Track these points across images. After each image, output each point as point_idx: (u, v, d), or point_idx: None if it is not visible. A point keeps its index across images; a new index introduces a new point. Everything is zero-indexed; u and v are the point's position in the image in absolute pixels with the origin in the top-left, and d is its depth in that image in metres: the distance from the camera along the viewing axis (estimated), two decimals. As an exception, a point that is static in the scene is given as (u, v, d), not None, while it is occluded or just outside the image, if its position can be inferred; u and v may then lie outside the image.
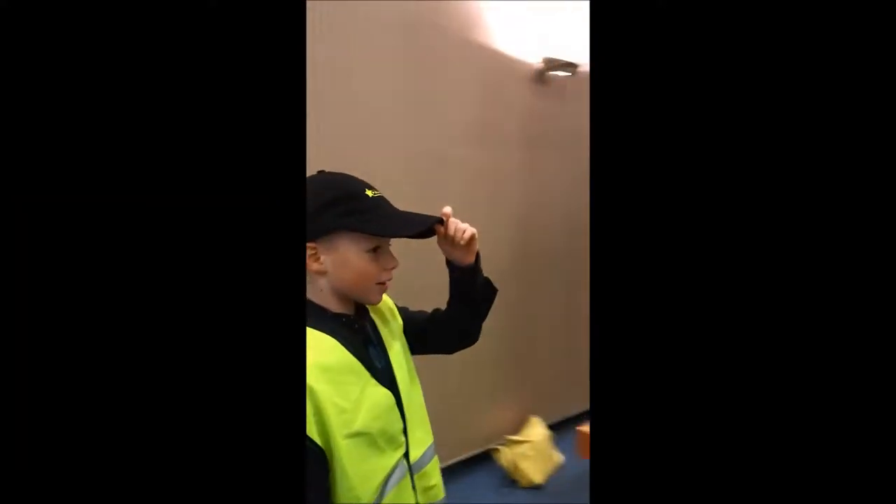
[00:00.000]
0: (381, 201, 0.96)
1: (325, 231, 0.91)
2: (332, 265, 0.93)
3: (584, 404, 3.71)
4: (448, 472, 2.56)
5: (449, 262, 1.09)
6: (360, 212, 0.92)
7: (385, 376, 0.97)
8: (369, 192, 0.95)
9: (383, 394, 0.93)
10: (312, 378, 0.81)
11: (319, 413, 0.82)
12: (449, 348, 1.18)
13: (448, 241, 1.03)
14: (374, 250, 0.94)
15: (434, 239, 1.04)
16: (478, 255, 1.08)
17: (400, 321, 1.12)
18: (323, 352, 0.87)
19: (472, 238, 1.03)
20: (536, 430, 3.29)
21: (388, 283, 0.99)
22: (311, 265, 0.92)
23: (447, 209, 1.00)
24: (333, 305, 0.96)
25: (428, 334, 1.14)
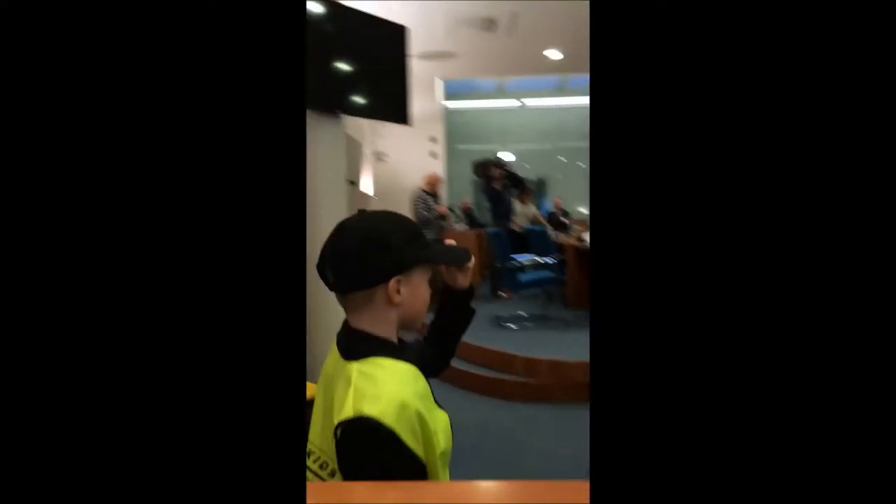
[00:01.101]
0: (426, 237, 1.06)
1: (412, 264, 0.97)
2: (408, 296, 0.97)
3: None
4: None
5: (446, 288, 1.17)
6: (428, 246, 1.02)
7: None
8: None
9: (444, 416, 0.96)
10: (417, 403, 0.86)
11: (426, 435, 0.87)
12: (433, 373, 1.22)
13: (456, 268, 1.14)
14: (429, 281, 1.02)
15: None
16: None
17: None
18: (416, 378, 0.92)
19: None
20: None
21: None
22: (394, 297, 0.95)
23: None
24: (393, 336, 0.98)
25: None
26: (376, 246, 0.94)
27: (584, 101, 10.93)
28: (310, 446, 0.96)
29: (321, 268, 0.95)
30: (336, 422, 0.85)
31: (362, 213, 1.04)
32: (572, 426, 3.30)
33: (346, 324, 0.99)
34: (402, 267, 0.96)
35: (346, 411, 0.84)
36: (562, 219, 8.26)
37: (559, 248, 6.45)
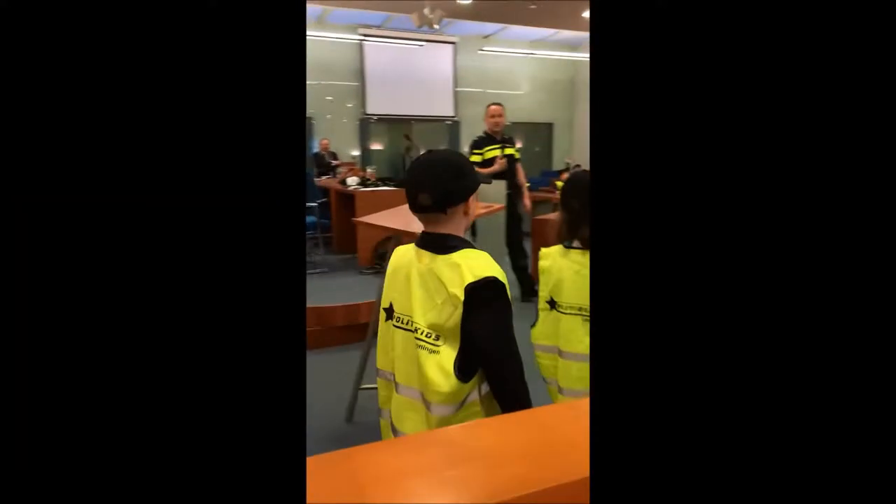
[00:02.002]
0: None
1: (479, 184, 1.36)
2: (472, 209, 1.36)
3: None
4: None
5: None
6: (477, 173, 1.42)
7: None
8: None
9: None
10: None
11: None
12: None
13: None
14: None
15: None
16: None
17: None
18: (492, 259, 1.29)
19: None
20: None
21: None
22: (470, 209, 1.34)
23: None
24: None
25: None
26: (464, 171, 1.33)
27: (352, 37, 10.70)
28: (415, 326, 1.28)
29: (415, 194, 1.28)
30: (462, 287, 1.20)
31: (431, 151, 1.40)
32: (337, 368, 3.30)
33: (426, 232, 1.34)
34: (477, 185, 1.35)
35: (468, 278, 1.20)
36: (329, 161, 8.22)
37: (323, 192, 6.42)
